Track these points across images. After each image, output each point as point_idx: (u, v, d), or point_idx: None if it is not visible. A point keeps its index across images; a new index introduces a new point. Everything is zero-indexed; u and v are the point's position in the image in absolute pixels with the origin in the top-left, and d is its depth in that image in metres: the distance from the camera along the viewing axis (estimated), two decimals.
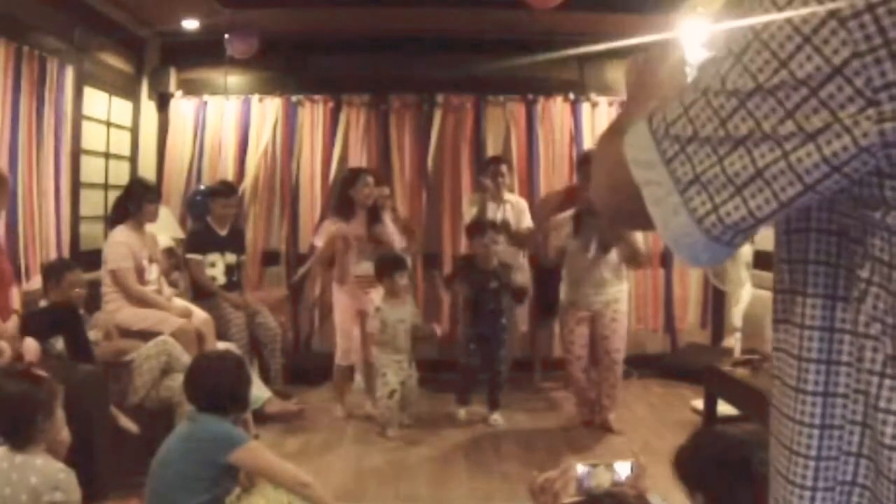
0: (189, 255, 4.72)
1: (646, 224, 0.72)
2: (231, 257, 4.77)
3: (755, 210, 0.64)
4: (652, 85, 0.89)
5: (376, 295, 4.43)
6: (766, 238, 2.98)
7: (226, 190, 4.85)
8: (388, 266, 4.28)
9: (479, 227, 4.52)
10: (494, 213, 4.89)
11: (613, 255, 4.21)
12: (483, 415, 4.55)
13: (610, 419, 4.36)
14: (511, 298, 4.58)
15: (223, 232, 4.78)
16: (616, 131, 0.78)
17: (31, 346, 3.15)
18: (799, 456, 0.69)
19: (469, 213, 5.01)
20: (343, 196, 4.54)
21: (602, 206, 0.82)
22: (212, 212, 4.76)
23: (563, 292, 4.36)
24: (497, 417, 4.49)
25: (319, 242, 4.54)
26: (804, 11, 0.59)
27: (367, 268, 4.45)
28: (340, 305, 4.55)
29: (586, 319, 4.28)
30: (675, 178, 0.68)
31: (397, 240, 4.71)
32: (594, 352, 4.37)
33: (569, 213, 4.32)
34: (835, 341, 0.68)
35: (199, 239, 4.75)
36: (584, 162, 4.57)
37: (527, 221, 4.97)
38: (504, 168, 4.98)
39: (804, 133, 0.59)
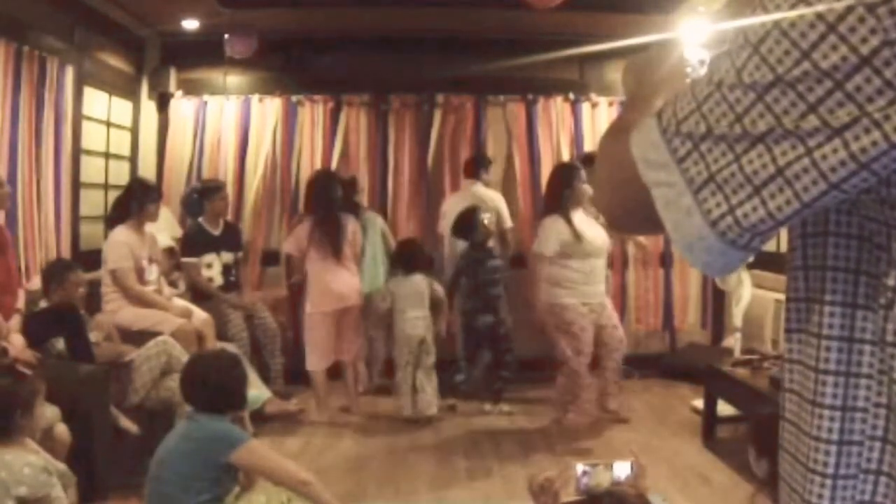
0: (184, 260, 4.72)
1: (654, 228, 0.68)
2: (227, 256, 4.77)
3: (775, 211, 0.59)
4: (652, 85, 0.85)
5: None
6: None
7: (215, 185, 4.87)
8: (400, 247, 4.76)
9: (471, 211, 4.66)
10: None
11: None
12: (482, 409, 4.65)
13: (614, 408, 4.46)
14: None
15: (217, 231, 4.78)
16: (619, 131, 0.74)
17: (16, 342, 3.15)
18: (815, 474, 0.65)
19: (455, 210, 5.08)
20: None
21: (606, 209, 0.78)
22: (207, 209, 4.76)
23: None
24: (501, 408, 4.62)
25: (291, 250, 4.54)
26: None
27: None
28: (313, 312, 4.49)
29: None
30: (687, 179, 0.63)
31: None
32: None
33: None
34: (854, 352, 0.64)
35: (193, 241, 4.75)
36: (587, 162, 4.60)
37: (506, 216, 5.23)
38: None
39: (829, 128, 0.55)
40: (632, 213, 0.73)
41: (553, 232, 4.19)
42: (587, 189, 4.15)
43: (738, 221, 0.61)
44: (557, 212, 4.21)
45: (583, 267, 4.21)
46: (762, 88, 0.58)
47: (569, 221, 4.17)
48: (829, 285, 0.66)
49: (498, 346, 4.62)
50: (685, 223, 0.64)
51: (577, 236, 4.16)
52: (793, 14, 0.56)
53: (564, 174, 4.33)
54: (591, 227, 4.23)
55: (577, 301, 4.22)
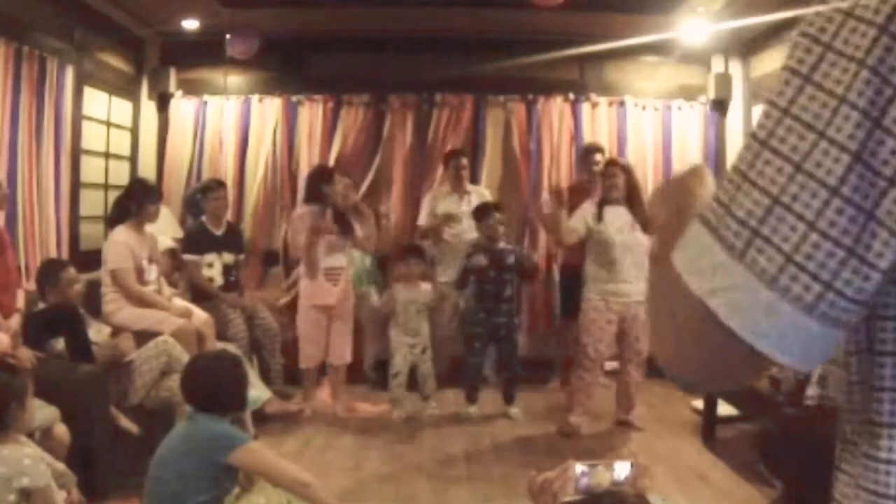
0: (185, 257, 4.72)
1: (743, 364, 0.59)
2: (228, 257, 4.76)
3: (875, 261, 0.53)
4: (685, 208, 0.74)
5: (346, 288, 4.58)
6: None
7: (215, 185, 4.88)
8: (403, 251, 4.67)
9: (483, 210, 4.61)
10: (458, 204, 5.00)
11: (644, 244, 4.08)
12: (490, 412, 4.61)
13: (631, 418, 4.36)
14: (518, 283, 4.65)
15: (219, 232, 4.77)
16: (658, 262, 0.65)
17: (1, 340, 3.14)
18: (889, 499, 0.60)
19: (430, 208, 5.11)
20: (314, 189, 4.54)
21: (677, 367, 0.65)
22: (206, 209, 4.76)
23: (585, 287, 4.30)
24: (516, 411, 4.58)
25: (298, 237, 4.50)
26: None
27: (336, 260, 4.49)
28: (305, 305, 4.54)
29: (615, 317, 4.22)
30: (757, 272, 0.55)
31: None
32: (621, 351, 4.36)
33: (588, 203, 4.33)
34: None
35: (195, 239, 4.75)
36: (586, 153, 5.08)
37: None
38: (464, 161, 5.12)
39: None
40: (710, 355, 0.61)
41: (580, 211, 4.28)
42: (618, 182, 4.20)
43: (841, 293, 0.54)
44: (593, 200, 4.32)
45: (602, 260, 4.17)
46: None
47: (599, 206, 4.22)
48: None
49: (504, 346, 4.58)
50: (766, 323, 0.55)
51: (599, 218, 4.16)
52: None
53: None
54: (617, 218, 4.17)
55: (598, 297, 4.21)
